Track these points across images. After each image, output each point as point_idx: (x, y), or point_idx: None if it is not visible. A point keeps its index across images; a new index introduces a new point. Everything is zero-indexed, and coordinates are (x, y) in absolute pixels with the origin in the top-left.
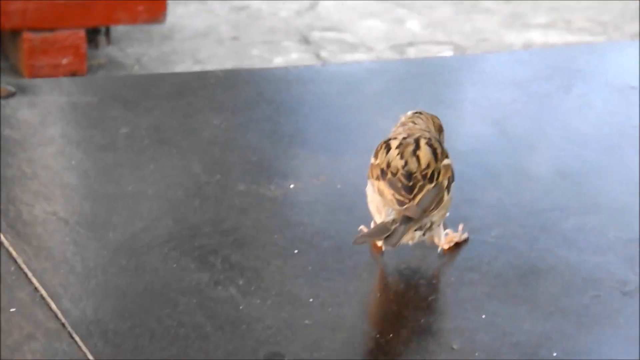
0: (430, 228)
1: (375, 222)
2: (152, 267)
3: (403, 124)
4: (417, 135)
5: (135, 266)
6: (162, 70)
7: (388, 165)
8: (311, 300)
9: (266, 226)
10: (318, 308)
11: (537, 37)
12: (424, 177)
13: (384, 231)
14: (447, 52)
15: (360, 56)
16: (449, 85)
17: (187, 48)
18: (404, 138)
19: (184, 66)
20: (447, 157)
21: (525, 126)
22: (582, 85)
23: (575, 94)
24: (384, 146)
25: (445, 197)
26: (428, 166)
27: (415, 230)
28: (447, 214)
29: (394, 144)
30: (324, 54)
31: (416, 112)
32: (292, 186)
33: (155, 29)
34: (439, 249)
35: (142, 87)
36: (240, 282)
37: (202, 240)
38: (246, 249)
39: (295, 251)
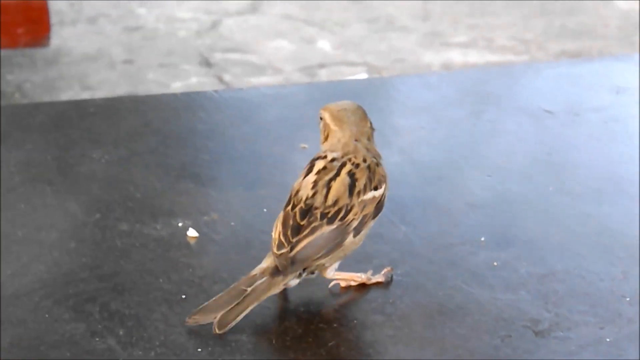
0: (314, 272)
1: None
2: (20, 318)
3: (343, 130)
4: (350, 156)
5: (0, 318)
6: (46, 98)
7: (297, 192)
8: (199, 350)
9: (150, 270)
10: (206, 359)
11: (456, 56)
12: (324, 217)
13: (220, 308)
14: (361, 74)
15: (267, 79)
16: None
17: (74, 73)
18: (333, 160)
19: (72, 93)
20: (376, 187)
21: (434, 154)
22: (494, 110)
23: (486, 119)
24: (307, 167)
25: (349, 240)
26: (335, 203)
27: (293, 279)
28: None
29: (318, 165)
30: (227, 77)
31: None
32: (180, 224)
33: (39, 53)
34: (331, 284)
35: (13, 118)
36: (121, 333)
37: (78, 286)
38: (127, 295)
39: (183, 296)
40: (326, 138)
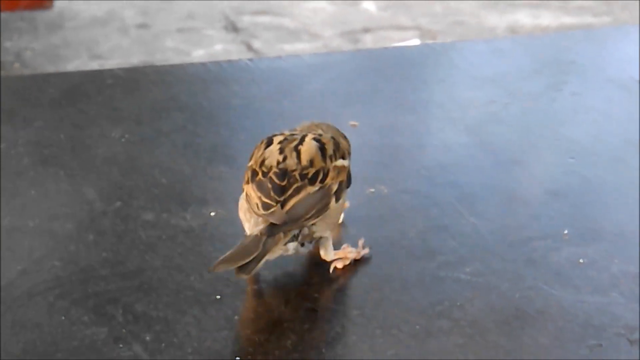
0: (312, 239)
1: (245, 233)
2: (33, 322)
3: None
4: (309, 131)
5: (12, 321)
6: (49, 68)
7: (262, 163)
8: (238, 358)
9: (180, 266)
10: None
11: (525, 19)
12: (304, 177)
13: (243, 256)
14: (413, 40)
15: (302, 46)
16: (411, 82)
17: (81, 39)
18: (292, 133)
19: (78, 62)
20: (343, 157)
21: (507, 134)
22: (578, 82)
23: (569, 93)
24: (264, 142)
25: (333, 204)
26: (311, 164)
27: (289, 241)
28: (340, 226)
29: (277, 139)
30: (256, 44)
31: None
32: (212, 214)
33: (41, 16)
34: (331, 268)
35: (20, 92)
36: (147, 338)
37: (98, 285)
38: (154, 295)
39: (218, 297)
40: None
